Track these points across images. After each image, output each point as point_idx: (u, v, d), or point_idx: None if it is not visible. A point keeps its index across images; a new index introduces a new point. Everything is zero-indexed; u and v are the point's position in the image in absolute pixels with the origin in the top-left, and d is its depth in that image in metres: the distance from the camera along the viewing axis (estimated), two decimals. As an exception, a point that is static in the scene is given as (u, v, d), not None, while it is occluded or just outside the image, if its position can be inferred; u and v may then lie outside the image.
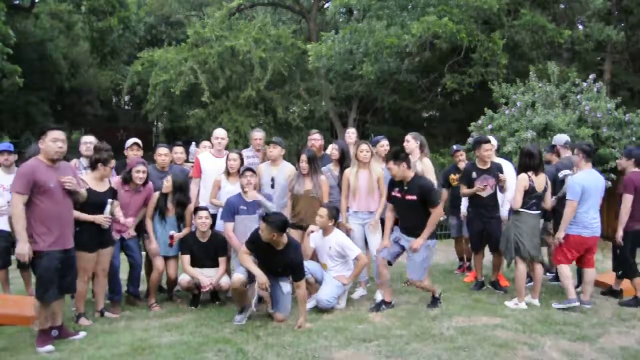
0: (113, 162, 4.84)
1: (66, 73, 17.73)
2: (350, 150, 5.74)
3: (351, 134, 6.39)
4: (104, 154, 4.74)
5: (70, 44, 18.75)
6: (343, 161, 5.62)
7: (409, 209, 4.93)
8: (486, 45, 11.32)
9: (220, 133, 5.90)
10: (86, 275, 4.66)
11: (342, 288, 5.10)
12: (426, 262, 4.96)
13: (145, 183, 5.15)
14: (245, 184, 5.12)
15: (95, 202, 4.60)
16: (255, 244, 4.61)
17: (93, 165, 4.74)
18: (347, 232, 5.38)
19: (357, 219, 5.45)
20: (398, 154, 4.96)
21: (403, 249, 5.06)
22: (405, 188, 4.92)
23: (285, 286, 4.79)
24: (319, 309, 5.00)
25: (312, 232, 5.27)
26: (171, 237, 5.22)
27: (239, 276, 4.67)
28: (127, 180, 5.08)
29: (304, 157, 5.34)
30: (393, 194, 5.04)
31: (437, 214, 4.90)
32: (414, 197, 4.85)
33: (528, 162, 5.09)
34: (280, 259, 4.61)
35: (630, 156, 5.42)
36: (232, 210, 5.14)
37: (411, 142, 5.92)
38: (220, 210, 5.30)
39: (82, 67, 19.32)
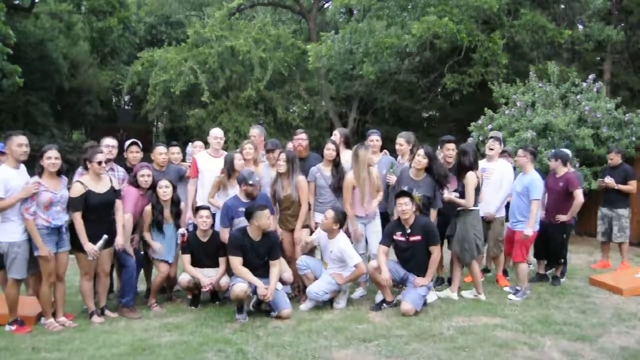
0: (100, 157, 4.66)
1: (66, 73, 17.64)
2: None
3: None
4: (88, 151, 4.72)
5: (70, 44, 18.68)
6: (338, 161, 5.49)
7: (414, 250, 5.01)
8: (486, 45, 11.32)
9: (217, 133, 5.91)
10: (88, 275, 4.73)
11: (334, 285, 5.08)
12: (423, 299, 5.00)
13: (151, 187, 5.14)
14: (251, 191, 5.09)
15: (97, 204, 4.63)
16: (240, 248, 4.80)
17: (84, 167, 4.74)
18: (358, 237, 5.37)
19: (358, 219, 5.45)
20: (412, 195, 5.05)
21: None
22: (409, 231, 4.99)
23: (277, 285, 4.86)
24: (319, 309, 5.00)
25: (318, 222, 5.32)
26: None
27: (241, 286, 4.69)
28: (135, 184, 5.10)
29: (282, 156, 5.30)
30: (395, 238, 5.06)
31: (438, 252, 5.06)
32: (419, 238, 4.95)
33: (465, 160, 5.19)
34: (263, 245, 4.86)
35: (556, 157, 5.86)
36: (229, 214, 5.14)
37: (404, 146, 5.85)
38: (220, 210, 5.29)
39: (82, 67, 19.24)
